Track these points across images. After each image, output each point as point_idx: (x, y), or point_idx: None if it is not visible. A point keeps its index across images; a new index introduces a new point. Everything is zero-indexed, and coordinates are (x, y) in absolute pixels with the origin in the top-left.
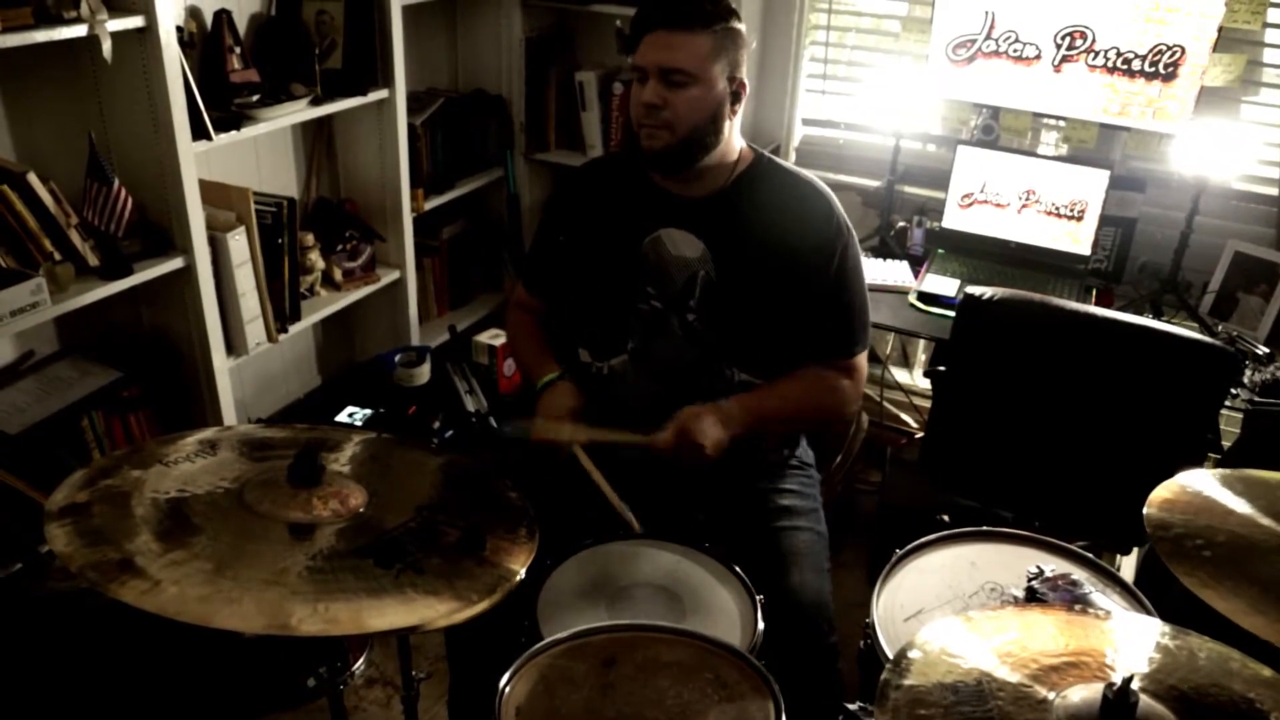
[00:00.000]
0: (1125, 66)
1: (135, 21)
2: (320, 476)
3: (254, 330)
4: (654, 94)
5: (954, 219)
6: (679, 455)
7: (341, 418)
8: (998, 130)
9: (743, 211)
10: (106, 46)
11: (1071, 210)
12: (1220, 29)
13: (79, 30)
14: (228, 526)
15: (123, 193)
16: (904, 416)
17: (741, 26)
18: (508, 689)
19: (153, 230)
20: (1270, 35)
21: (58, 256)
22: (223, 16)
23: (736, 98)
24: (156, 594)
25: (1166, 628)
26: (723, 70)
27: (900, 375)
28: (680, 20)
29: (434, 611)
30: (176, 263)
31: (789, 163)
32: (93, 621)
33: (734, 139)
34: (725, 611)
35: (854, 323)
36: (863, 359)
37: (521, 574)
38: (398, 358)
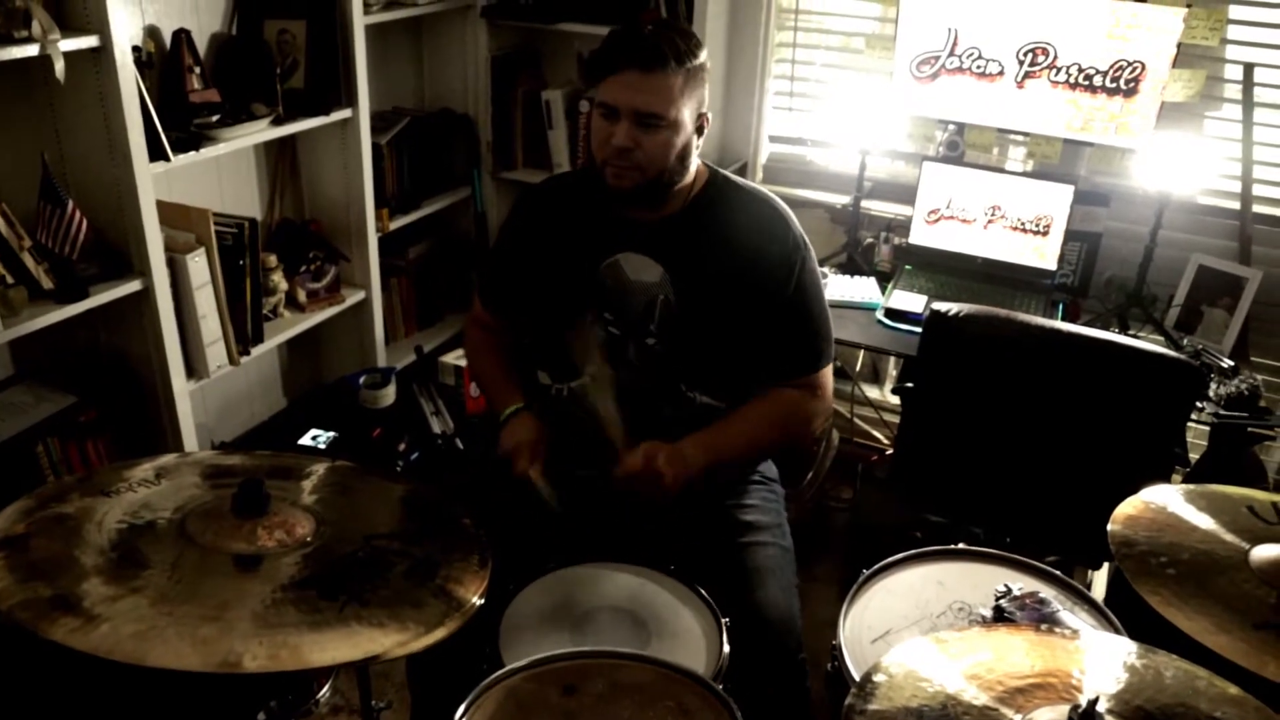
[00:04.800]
0: (1087, 82)
1: (89, 41)
2: (266, 506)
3: (215, 353)
4: (626, 137)
5: (921, 235)
6: (639, 482)
7: (305, 440)
8: (963, 146)
9: (700, 233)
10: (59, 67)
11: (1037, 225)
12: (1179, 45)
13: (30, 50)
14: (169, 559)
15: (77, 214)
16: (875, 433)
17: (705, 56)
18: (465, 719)
19: (110, 252)
20: (1230, 51)
21: (10, 279)
22: (182, 36)
23: (700, 131)
24: (87, 632)
25: (1134, 646)
26: (692, 109)
27: (871, 391)
28: (656, 60)
29: (378, 645)
30: (134, 285)
31: (746, 180)
32: (39, 651)
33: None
34: (690, 635)
35: (816, 337)
36: (827, 374)
37: (472, 603)
38: (362, 379)
